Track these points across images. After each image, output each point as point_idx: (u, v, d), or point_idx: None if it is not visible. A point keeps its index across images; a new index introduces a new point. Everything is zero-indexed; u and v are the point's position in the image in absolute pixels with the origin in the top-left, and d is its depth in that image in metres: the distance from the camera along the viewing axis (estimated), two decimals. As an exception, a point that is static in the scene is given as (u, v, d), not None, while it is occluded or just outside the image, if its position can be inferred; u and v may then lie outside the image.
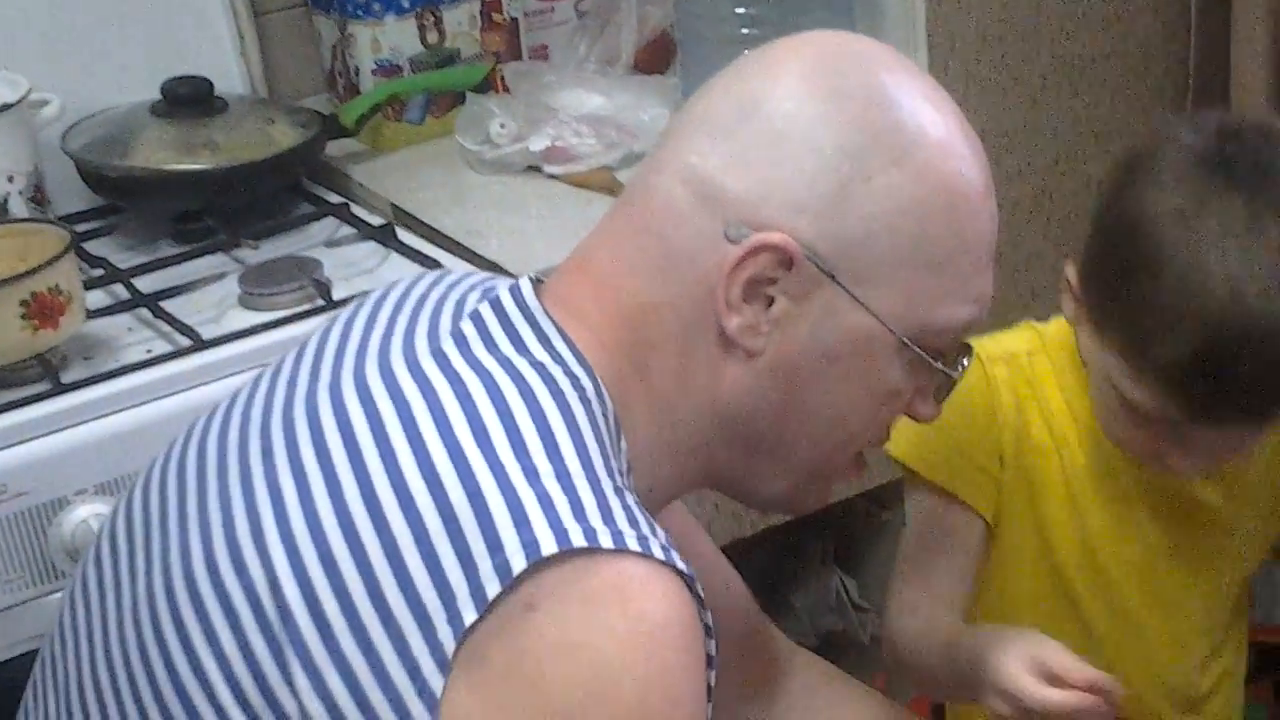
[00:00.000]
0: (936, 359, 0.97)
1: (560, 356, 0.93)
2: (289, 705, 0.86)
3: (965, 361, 1.00)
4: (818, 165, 0.93)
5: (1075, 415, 1.26)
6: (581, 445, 0.88)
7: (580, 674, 0.83)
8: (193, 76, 1.77)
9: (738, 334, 0.94)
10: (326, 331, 1.03)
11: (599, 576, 0.83)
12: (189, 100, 1.75)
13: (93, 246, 1.74)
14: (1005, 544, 1.30)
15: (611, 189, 1.80)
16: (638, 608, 0.84)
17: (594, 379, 0.93)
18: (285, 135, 1.78)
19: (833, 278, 0.93)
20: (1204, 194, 1.07)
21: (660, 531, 0.88)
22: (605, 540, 0.83)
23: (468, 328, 0.95)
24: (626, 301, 0.96)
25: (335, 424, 0.91)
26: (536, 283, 0.99)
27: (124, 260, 1.70)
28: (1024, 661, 1.08)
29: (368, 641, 0.84)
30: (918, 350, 0.96)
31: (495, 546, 0.83)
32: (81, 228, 1.75)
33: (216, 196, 1.73)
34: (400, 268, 1.68)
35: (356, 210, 1.78)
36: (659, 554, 0.85)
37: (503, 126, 1.84)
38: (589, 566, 0.83)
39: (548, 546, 0.83)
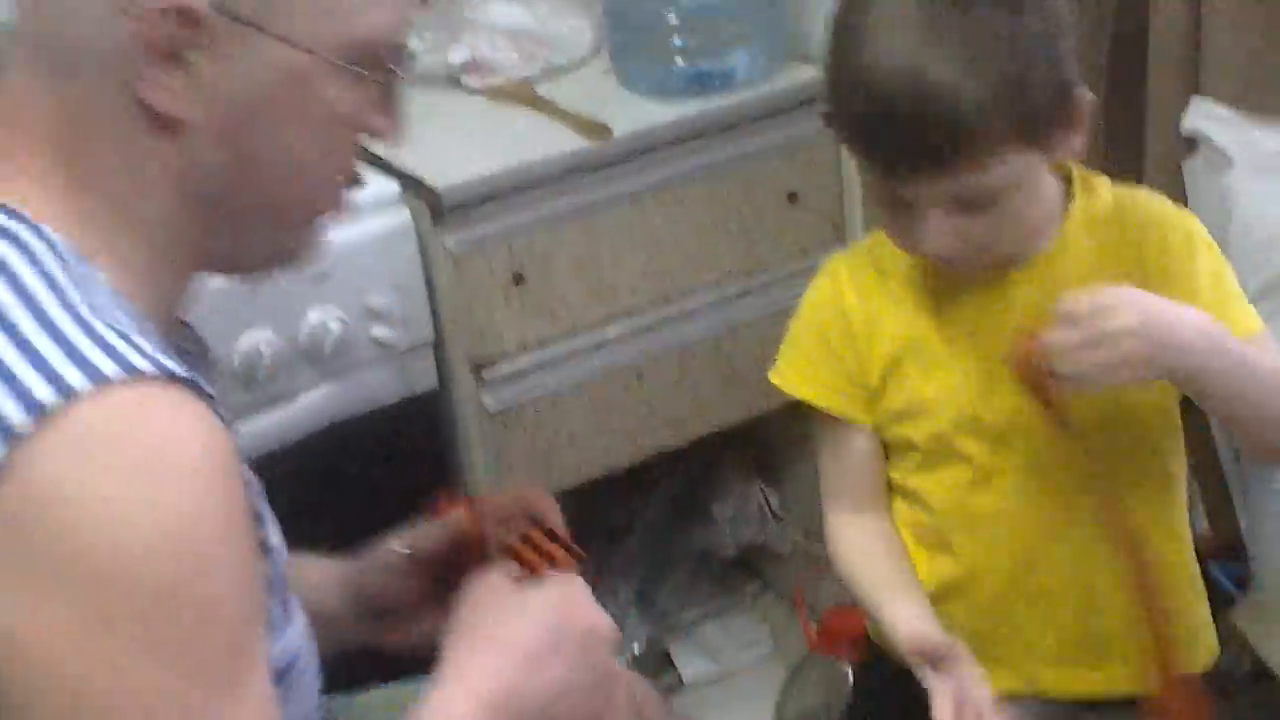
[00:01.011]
0: (370, 71, 0.95)
1: None
2: None
3: (397, 66, 0.99)
4: None
5: (924, 276, 1.32)
6: (29, 298, 0.84)
7: (85, 524, 0.79)
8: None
9: (167, 107, 0.89)
10: None
11: (82, 422, 0.80)
12: None
13: None
14: (897, 429, 1.35)
15: (531, 102, 1.78)
16: (136, 437, 0.80)
17: (28, 222, 0.88)
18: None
19: (242, 20, 0.90)
20: None
21: (147, 341, 0.84)
22: (76, 380, 0.80)
23: None
24: (45, 117, 0.91)
25: None
26: None
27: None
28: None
29: None
30: (349, 67, 0.93)
31: None
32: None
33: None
34: (318, 182, 1.66)
35: (272, 123, 1.75)
36: (143, 365, 0.82)
37: (421, 39, 1.81)
38: (69, 416, 0.79)
39: (18, 419, 0.79)
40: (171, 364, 0.83)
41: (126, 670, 0.80)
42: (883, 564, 1.36)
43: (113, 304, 0.87)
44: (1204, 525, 2.06)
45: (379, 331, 1.65)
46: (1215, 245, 1.31)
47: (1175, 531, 1.40)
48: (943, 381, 1.31)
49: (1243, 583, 1.92)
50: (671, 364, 1.81)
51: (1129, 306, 1.17)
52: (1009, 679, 1.35)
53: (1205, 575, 1.96)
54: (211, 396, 0.85)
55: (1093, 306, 1.17)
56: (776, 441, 2.11)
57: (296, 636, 1.00)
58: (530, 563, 1.13)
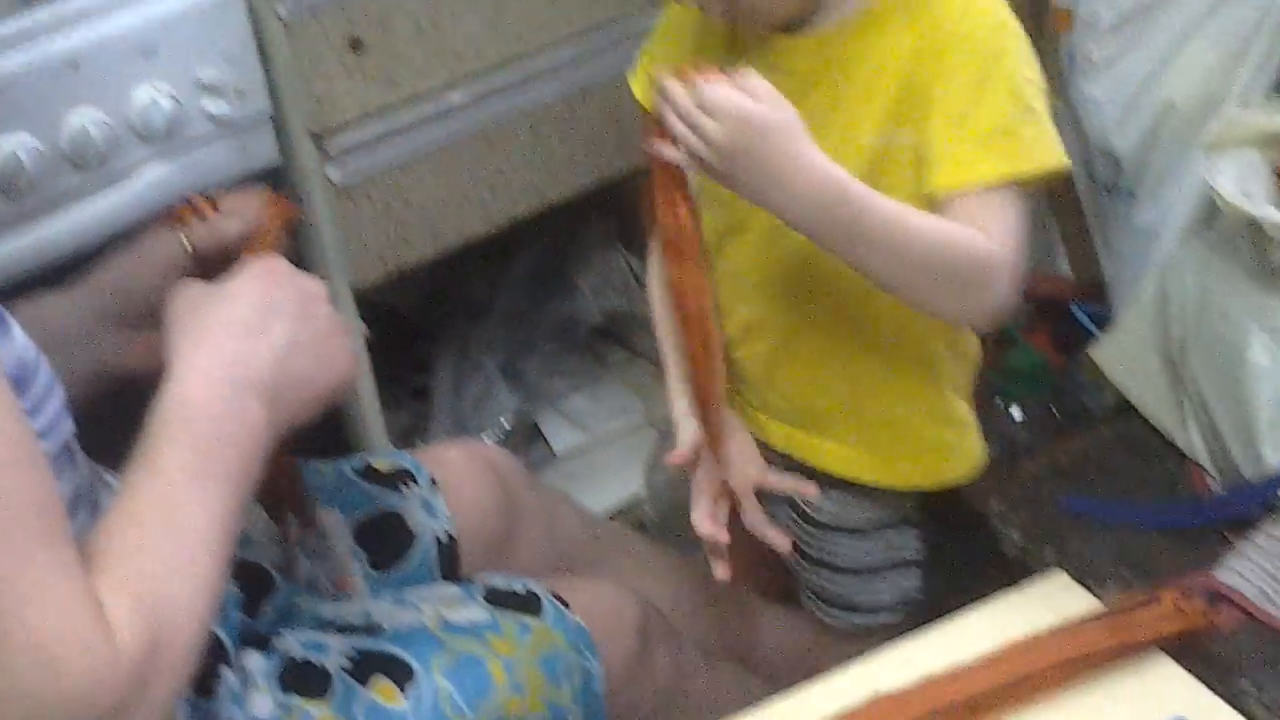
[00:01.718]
0: None
1: None
2: None
3: None
4: None
5: (731, 29, 1.32)
6: None
7: None
8: None
9: None
10: None
11: None
12: None
13: None
14: None
15: None
16: None
17: None
18: None
19: None
20: None
21: None
22: None
23: None
24: None
25: None
26: None
27: None
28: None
29: None
30: None
31: None
32: None
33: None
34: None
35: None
36: None
37: None
38: None
39: None
40: None
41: None
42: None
43: None
44: (1066, 268, 2.08)
45: (212, 106, 1.58)
46: (1014, 74, 1.23)
47: (906, 349, 1.37)
48: None
49: (1104, 323, 1.93)
50: (522, 129, 1.76)
51: (733, 121, 1.13)
52: (749, 421, 1.44)
53: (1069, 317, 1.99)
54: None
55: (712, 99, 1.14)
56: (636, 206, 2.07)
57: (20, 346, 0.99)
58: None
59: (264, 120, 1.63)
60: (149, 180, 1.57)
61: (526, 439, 2.06)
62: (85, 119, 1.50)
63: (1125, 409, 1.71)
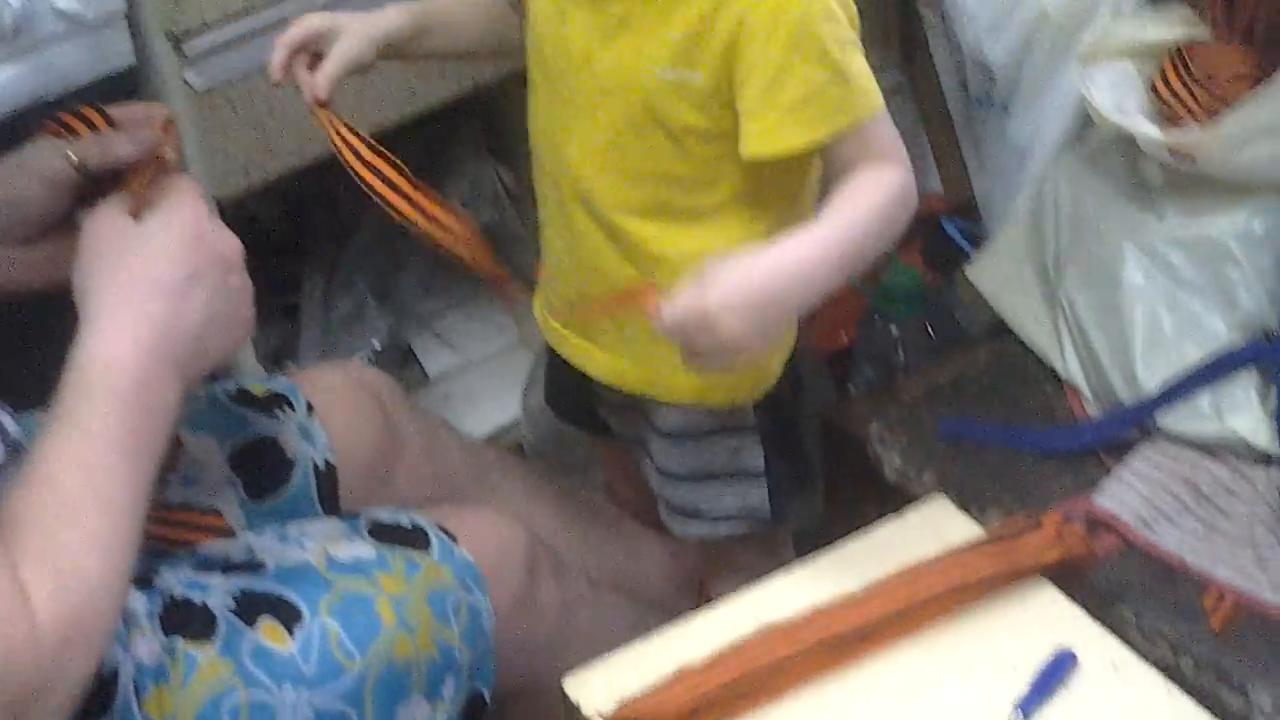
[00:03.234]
0: None
1: None
2: None
3: None
4: None
5: None
6: None
7: None
8: None
9: None
10: None
11: None
12: None
13: None
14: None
15: None
16: None
17: None
18: None
19: None
20: None
21: None
22: None
23: None
24: None
25: None
26: None
27: None
28: None
29: None
30: None
31: None
32: None
33: None
34: None
35: None
36: None
37: None
38: None
39: None
40: None
41: None
42: None
43: None
44: (937, 184, 2.08)
45: (62, 2, 1.50)
46: (820, 36, 1.18)
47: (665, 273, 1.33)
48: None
49: (977, 240, 1.94)
50: (391, 33, 1.70)
51: (727, 316, 1.14)
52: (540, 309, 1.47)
53: (941, 233, 1.99)
54: None
55: (694, 323, 1.14)
56: (508, 116, 2.02)
57: None
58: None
59: (118, 18, 1.54)
60: (-4, 83, 1.49)
61: (399, 361, 2.01)
62: (-77, 19, 1.42)
63: (1002, 329, 1.71)
